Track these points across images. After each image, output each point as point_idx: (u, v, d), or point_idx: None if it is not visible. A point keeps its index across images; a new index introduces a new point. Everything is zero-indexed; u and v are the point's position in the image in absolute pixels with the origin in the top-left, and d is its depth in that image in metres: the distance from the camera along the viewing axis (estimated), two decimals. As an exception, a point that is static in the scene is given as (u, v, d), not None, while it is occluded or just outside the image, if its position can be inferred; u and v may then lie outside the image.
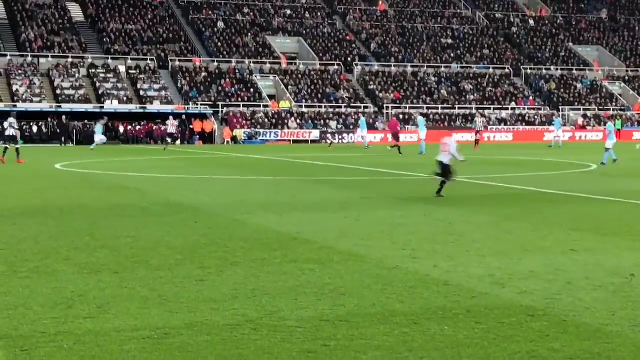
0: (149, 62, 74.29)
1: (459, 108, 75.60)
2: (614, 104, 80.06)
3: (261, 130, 68.04)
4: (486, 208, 20.00)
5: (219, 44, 78.92)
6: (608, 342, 8.44)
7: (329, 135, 66.65)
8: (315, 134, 68.60)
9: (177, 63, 75.00)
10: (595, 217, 18.38)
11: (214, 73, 74.44)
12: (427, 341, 8.49)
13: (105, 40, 76.74)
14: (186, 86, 72.18)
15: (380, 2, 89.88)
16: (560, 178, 29.92)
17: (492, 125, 73.46)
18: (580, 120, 75.72)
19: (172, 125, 55.93)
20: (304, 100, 73.05)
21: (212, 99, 71.15)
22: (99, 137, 54.03)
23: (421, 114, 66.00)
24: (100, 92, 69.96)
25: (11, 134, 39.14)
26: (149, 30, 78.50)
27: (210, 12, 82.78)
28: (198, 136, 67.44)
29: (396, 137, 50.33)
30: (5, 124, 40.34)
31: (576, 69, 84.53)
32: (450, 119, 73.86)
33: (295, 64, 78.35)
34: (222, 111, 69.62)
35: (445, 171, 22.33)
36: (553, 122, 61.49)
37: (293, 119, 69.86)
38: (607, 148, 36.85)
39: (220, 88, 72.67)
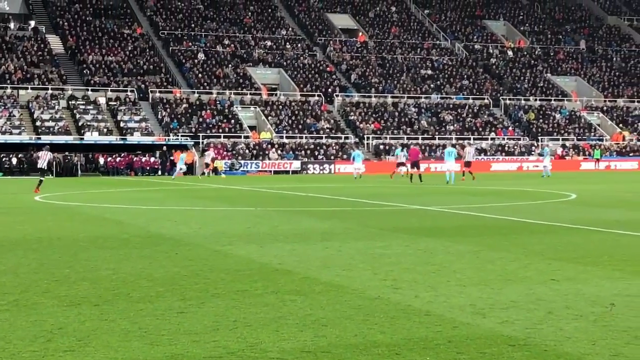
0: (129, 93, 74.32)
1: (439, 138, 75.91)
2: (592, 134, 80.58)
3: (242, 161, 68.04)
4: (467, 238, 20.03)
5: (200, 75, 79.07)
6: (589, 372, 8.45)
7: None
8: (296, 164, 68.67)
9: (158, 94, 75.05)
10: (575, 246, 18.44)
11: (195, 104, 74.54)
12: (409, 372, 8.48)
13: (85, 71, 76.73)
14: (167, 117, 72.18)
15: (360, 34, 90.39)
16: (540, 207, 30.02)
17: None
18: (559, 150, 76.14)
19: (42, 159, 42.27)
20: (284, 131, 73.16)
21: (192, 130, 71.14)
22: (180, 166, 58.78)
23: (452, 145, 66.15)
24: (80, 123, 69.86)
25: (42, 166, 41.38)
26: (129, 62, 78.56)
27: (191, 44, 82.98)
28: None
29: (416, 165, 51.06)
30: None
31: (554, 99, 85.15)
32: (430, 150, 74.11)
33: (276, 94, 78.57)
34: (202, 142, 69.60)
35: None
36: (542, 153, 62.19)
37: (274, 149, 69.91)
38: None
39: (200, 119, 72.71)
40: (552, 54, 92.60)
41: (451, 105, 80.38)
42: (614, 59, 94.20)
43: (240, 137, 71.00)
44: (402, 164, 54.87)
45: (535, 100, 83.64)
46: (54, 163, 64.94)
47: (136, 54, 79.42)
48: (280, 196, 37.81)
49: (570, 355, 9.10)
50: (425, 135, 75.33)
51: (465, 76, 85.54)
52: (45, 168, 40.96)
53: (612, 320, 10.77)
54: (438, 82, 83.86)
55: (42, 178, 39.84)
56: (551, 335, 9.96)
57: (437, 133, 76.08)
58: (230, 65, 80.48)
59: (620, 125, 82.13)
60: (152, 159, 68.39)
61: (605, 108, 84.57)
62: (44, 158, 40.33)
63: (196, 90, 76.00)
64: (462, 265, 15.58)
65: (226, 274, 14.58)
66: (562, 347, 9.47)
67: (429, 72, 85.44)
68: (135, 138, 68.03)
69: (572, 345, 9.54)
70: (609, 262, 15.84)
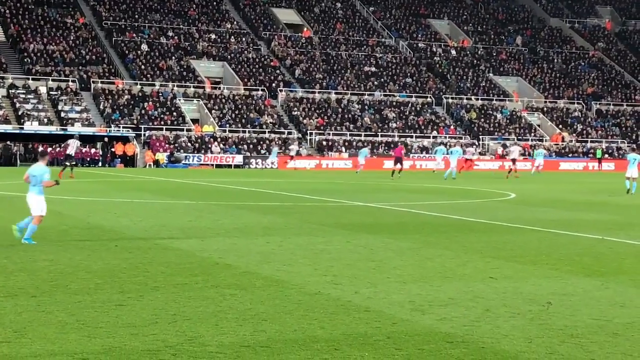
0: (70, 83, 73.44)
1: (381, 135, 76.22)
2: (532, 134, 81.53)
3: (184, 154, 67.66)
4: (407, 235, 20.16)
5: (142, 66, 78.42)
6: (525, 369, 8.55)
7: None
8: (239, 158, 68.49)
9: (100, 85, 74.30)
10: (514, 245, 18.65)
11: (137, 96, 73.92)
12: (347, 367, 8.51)
13: (26, 60, 75.69)
14: (108, 108, 71.50)
15: (305, 29, 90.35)
16: (480, 206, 30.30)
17: (413, 154, 74.16)
18: (500, 150, 76.91)
19: (71, 147, 46.98)
20: (227, 125, 72.90)
21: (134, 121, 70.57)
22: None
23: (442, 143, 70.38)
24: (20, 112, 68.91)
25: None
26: (71, 51, 77.66)
27: (134, 35, 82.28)
28: (119, 159, 66.78)
29: (400, 161, 54.12)
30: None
31: (496, 99, 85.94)
32: (373, 146, 74.40)
33: (219, 88, 78.23)
34: (144, 134, 69.08)
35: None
36: (533, 153, 64.09)
37: (216, 143, 69.64)
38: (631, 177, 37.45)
39: (143, 111, 72.14)
40: (494, 54, 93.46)
41: (394, 103, 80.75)
42: (555, 60, 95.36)
43: (182, 130, 70.64)
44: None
45: (477, 99, 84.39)
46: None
47: (78, 43, 78.60)
48: (222, 190, 37.69)
49: (506, 353, 9.21)
50: (368, 132, 75.62)
51: (409, 74, 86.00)
52: None
53: (548, 319, 10.91)
54: (382, 80, 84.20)
55: None
56: (488, 333, 10.07)
57: (379, 130, 76.40)
58: (173, 58, 80.00)
59: (560, 126, 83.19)
60: (93, 150, 67.75)
61: (545, 109, 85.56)
62: None
63: (139, 82, 75.40)
64: (402, 262, 15.68)
65: (166, 267, 14.52)
66: (499, 344, 9.57)
67: (373, 69, 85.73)
68: (76, 129, 67.17)
69: (509, 342, 9.66)
70: (547, 261, 16.05)
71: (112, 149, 67.15)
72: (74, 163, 47.00)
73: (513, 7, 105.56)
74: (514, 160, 58.27)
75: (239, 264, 15.11)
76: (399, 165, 53.78)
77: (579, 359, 9.00)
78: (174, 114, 72.78)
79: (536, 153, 63.60)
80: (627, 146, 78.77)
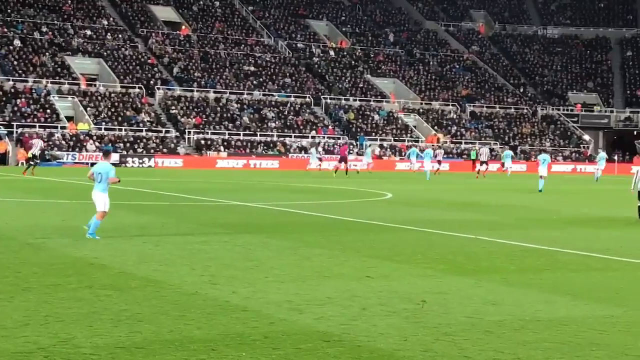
0: (-61, 78, 71.07)
1: (260, 135, 76.21)
2: (408, 135, 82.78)
3: (58, 152, 66.23)
4: (286, 234, 20.21)
5: (15, 62, 76.46)
6: (400, 367, 8.67)
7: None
8: (115, 157, 67.42)
9: (-30, 80, 72.11)
10: (390, 244, 18.89)
11: (9, 92, 72.01)
12: (224, 367, 8.47)
13: None
14: (-21, 105, 69.44)
15: (183, 27, 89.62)
16: (358, 206, 30.61)
17: (293, 153, 74.34)
18: (377, 151, 77.81)
19: (35, 146, 50.75)
20: (103, 123, 71.71)
21: (6, 119, 68.74)
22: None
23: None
24: None
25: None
26: (-60, 45, 75.16)
27: (6, 30, 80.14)
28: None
29: (344, 160, 58.74)
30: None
31: (374, 100, 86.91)
32: (252, 146, 74.34)
33: (95, 85, 76.89)
34: (16, 132, 67.35)
35: None
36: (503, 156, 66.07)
37: (92, 141, 68.42)
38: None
39: (15, 108, 70.33)
40: (372, 55, 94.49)
41: (273, 103, 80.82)
42: (431, 62, 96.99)
43: (56, 127, 69.15)
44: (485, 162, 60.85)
45: (355, 100, 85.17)
46: None
47: (-52, 37, 76.24)
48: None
49: (382, 351, 9.32)
50: (247, 132, 75.46)
51: (288, 74, 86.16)
52: None
53: (423, 317, 11.10)
54: (261, 79, 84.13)
55: None
56: (365, 331, 10.18)
57: (258, 130, 76.33)
58: (47, 54, 78.21)
59: (435, 127, 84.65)
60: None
61: (421, 110, 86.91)
62: None
63: (11, 78, 73.50)
64: (280, 261, 15.71)
65: (38, 268, 14.20)
66: (375, 343, 9.68)
67: (252, 68, 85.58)
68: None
69: (385, 341, 9.78)
70: (422, 260, 16.32)
71: (-17, 147, 65.27)
72: (37, 162, 50.86)
73: (390, 10, 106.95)
74: (484, 162, 61.00)
75: (114, 264, 14.89)
76: (343, 165, 57.98)
77: (453, 356, 9.17)
78: (48, 111, 71.20)
79: (504, 155, 64.66)
80: (500, 147, 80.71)
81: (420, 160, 63.98)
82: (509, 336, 10.12)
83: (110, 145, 68.01)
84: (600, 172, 59.27)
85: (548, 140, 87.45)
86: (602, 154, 63.04)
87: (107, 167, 18.58)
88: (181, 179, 48.25)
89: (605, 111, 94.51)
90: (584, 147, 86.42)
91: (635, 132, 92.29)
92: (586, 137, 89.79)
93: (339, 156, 62.69)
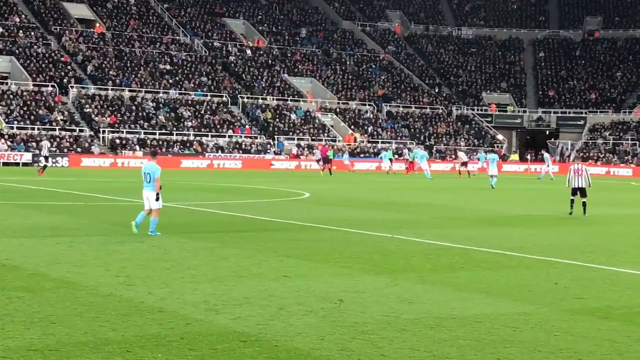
0: None
1: (177, 134, 75.66)
2: (326, 134, 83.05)
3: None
4: (202, 234, 20.11)
5: None
6: (317, 366, 8.68)
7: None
8: (27, 156, 66.23)
9: None
10: (307, 244, 18.93)
11: None
12: (140, 369, 8.39)
13: None
14: None
15: (97, 25, 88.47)
16: (275, 205, 30.60)
17: (210, 152, 74.00)
18: (295, 150, 77.90)
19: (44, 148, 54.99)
20: (15, 122, 70.41)
21: None
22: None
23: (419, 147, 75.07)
24: None
25: None
26: None
27: None
28: None
29: (326, 160, 61.76)
30: None
31: (291, 100, 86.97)
32: (168, 145, 73.76)
33: (7, 83, 75.44)
34: None
35: None
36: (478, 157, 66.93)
37: (3, 140, 67.12)
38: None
39: None
40: (289, 54, 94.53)
41: (190, 102, 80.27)
42: (348, 62, 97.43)
43: (-33, 126, 67.74)
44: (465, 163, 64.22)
45: (273, 99, 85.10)
46: None
47: None
48: (8, 189, 36.35)
49: (299, 350, 9.33)
50: (163, 131, 74.82)
51: (204, 73, 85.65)
52: None
53: (340, 316, 11.14)
54: (177, 78, 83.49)
55: None
56: (282, 331, 10.18)
57: (175, 129, 75.76)
58: (-42, 51, 76.67)
59: (352, 127, 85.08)
60: None
61: (338, 110, 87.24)
62: None
63: None
64: (196, 261, 15.62)
65: (-52, 270, 13.89)
66: (292, 342, 9.69)
67: (168, 67, 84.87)
68: None
69: (302, 340, 9.79)
70: (339, 260, 16.39)
71: None
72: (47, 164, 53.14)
73: (307, 9, 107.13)
74: (464, 163, 64.16)
75: (26, 265, 14.63)
76: (326, 164, 61.01)
77: (369, 354, 9.23)
78: (-42, 109, 69.64)
79: (480, 157, 65.25)
80: (417, 146, 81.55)
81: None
82: (425, 334, 10.22)
83: (22, 144, 66.88)
84: (544, 172, 62.70)
85: (463, 139, 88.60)
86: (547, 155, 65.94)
87: (153, 167, 19.64)
88: (96, 178, 47.62)
89: (519, 111, 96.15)
90: (497, 146, 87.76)
91: (547, 132, 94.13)
92: (500, 136, 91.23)
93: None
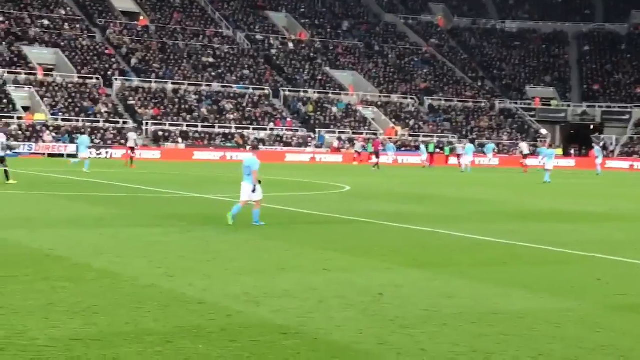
0: None
1: (219, 127, 75.96)
2: (367, 127, 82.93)
3: (14, 143, 65.53)
4: (244, 227, 20.17)
5: (-29, 51, 75.54)
6: None
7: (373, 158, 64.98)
8: (72, 148, 66.83)
9: None
10: (348, 237, 18.93)
11: (-35, 81, 71.15)
12: (181, 360, 8.45)
13: None
14: None
15: (142, 17, 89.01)
16: (316, 199, 30.61)
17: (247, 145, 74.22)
18: (336, 143, 77.88)
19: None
20: (60, 113, 71.09)
21: (-39, 108, 67.94)
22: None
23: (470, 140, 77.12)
24: None
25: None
26: None
27: (-38, 18, 79.14)
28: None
29: (377, 155, 62.29)
30: None
31: (332, 93, 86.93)
32: (210, 137, 74.08)
33: (52, 75, 76.18)
34: (-29, 121, 66.56)
35: None
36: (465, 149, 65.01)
37: (48, 132, 67.80)
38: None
39: (-30, 97, 69.51)
40: (331, 48, 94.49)
41: (232, 94, 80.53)
42: (390, 55, 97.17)
43: (13, 117, 68.44)
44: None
45: (314, 92, 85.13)
46: None
47: None
48: (54, 180, 36.72)
49: (339, 344, 9.34)
50: (206, 123, 75.15)
51: (247, 66, 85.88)
52: None
53: (379, 310, 11.13)
54: (219, 71, 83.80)
55: None
56: (322, 324, 10.19)
57: (216, 121, 76.06)
58: (4, 43, 77.34)
59: (394, 120, 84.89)
60: None
61: (380, 103, 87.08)
62: None
63: (-33, 67, 72.73)
64: (238, 253, 15.68)
65: (-7, 260, 14.06)
66: (331, 335, 9.70)
67: (211, 59, 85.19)
68: None
69: (341, 333, 9.80)
70: (379, 253, 16.37)
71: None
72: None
73: (349, 2, 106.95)
74: (526, 156, 64.60)
75: (70, 256, 14.78)
76: (376, 158, 61.52)
77: (408, 349, 9.21)
78: (4, 101, 70.44)
79: (467, 149, 64.29)
80: (458, 141, 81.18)
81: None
82: (465, 329, 10.18)
83: (67, 136, 67.47)
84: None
85: (505, 134, 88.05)
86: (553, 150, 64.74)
87: (253, 161, 20.29)
88: (139, 170, 47.95)
89: (562, 105, 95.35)
90: (540, 141, 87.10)
91: (591, 126, 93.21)
92: (543, 130, 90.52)
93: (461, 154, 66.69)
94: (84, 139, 48.61)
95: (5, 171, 32.18)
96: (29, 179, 36.88)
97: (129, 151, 52.79)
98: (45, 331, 9.38)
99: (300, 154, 73.33)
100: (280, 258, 15.30)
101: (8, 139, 60.82)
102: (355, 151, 69.34)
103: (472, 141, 78.70)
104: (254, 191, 20.16)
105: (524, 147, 67.37)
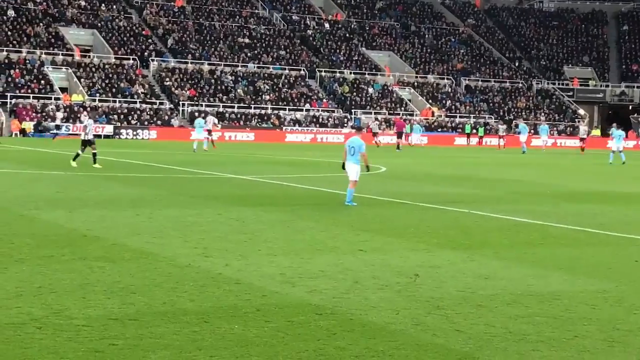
0: None
1: (254, 108, 76.06)
2: (403, 108, 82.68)
3: (52, 123, 66.07)
4: (279, 207, 20.22)
5: (9, 32, 76.11)
6: (392, 340, 8.70)
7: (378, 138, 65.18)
8: (109, 129, 67.29)
9: (-36, 51, 71.79)
10: (383, 218, 18.91)
11: (3, 63, 71.75)
12: (216, 339, 8.50)
13: None
14: (-28, 75, 69.16)
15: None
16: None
17: (287, 126, 74.26)
18: (372, 124, 77.69)
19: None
20: (97, 94, 71.52)
21: (0, 89, 68.53)
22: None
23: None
24: None
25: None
26: None
27: (0, 0, 79.73)
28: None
29: (400, 135, 62.84)
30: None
31: (368, 74, 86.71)
32: (246, 118, 74.22)
33: (89, 56, 76.60)
34: (10, 102, 67.16)
35: None
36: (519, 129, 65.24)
37: (86, 112, 68.24)
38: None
39: (9, 79, 70.09)
40: (367, 28, 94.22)
41: (268, 75, 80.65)
42: (426, 36, 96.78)
43: (50, 98, 68.97)
44: None
45: (350, 73, 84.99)
46: None
47: (-59, 7, 75.85)
48: (91, 161, 36.92)
49: (374, 324, 9.35)
50: (241, 104, 75.31)
51: (283, 46, 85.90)
52: None
53: (415, 291, 11.12)
54: (255, 51, 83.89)
55: None
56: (357, 305, 10.20)
57: (252, 102, 76.21)
58: (41, 24, 77.87)
59: (430, 101, 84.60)
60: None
61: (416, 84, 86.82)
62: None
63: (5, 49, 73.25)
64: (273, 234, 15.72)
65: (32, 239, 14.19)
66: (367, 316, 9.71)
67: (247, 40, 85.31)
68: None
69: (377, 314, 9.80)
70: (414, 234, 16.34)
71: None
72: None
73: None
74: (583, 140, 64.47)
75: (107, 236, 14.89)
76: (399, 139, 61.81)
77: (444, 329, 9.20)
78: (42, 82, 70.97)
79: (520, 127, 64.63)
80: (495, 121, 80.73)
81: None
82: (501, 310, 10.16)
83: (104, 116, 67.88)
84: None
85: (543, 114, 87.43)
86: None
87: (358, 141, 20.86)
88: (173, 151, 48.15)
89: (601, 85, 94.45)
90: (578, 121, 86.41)
91: (630, 107, 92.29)
92: (581, 111, 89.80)
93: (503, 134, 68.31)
94: (199, 121, 51.69)
95: (94, 154, 32.50)
96: (66, 160, 37.13)
97: (206, 133, 51.58)
98: (82, 311, 9.47)
99: (336, 135, 73.20)
100: (315, 239, 15.32)
101: (45, 120, 61.16)
102: (373, 132, 66.64)
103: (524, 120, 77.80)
104: (360, 172, 20.76)
105: (583, 130, 67.39)
